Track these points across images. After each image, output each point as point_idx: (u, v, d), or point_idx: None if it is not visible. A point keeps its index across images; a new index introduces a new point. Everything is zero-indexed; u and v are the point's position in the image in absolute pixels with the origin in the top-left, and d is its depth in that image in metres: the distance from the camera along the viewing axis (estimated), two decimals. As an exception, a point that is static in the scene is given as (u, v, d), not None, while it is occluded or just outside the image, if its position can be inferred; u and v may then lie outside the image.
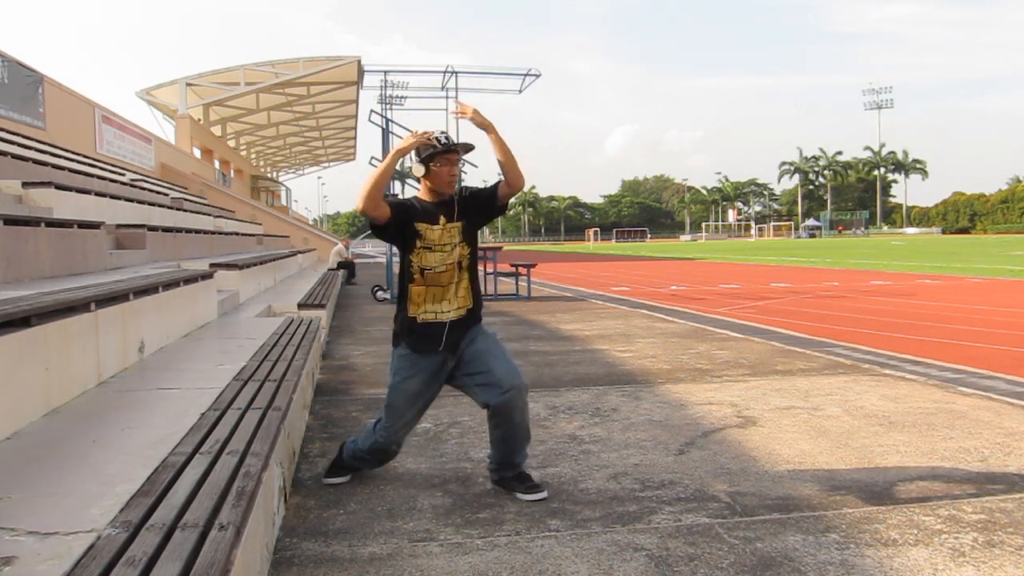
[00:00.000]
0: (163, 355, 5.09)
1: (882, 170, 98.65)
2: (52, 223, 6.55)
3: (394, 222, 3.16)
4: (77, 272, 6.81)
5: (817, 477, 3.36)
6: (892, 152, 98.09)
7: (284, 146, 59.40)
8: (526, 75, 16.05)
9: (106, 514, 2.08)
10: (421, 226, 3.19)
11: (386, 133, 13.85)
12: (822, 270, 20.97)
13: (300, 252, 20.83)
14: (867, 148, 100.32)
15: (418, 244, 3.19)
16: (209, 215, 17.64)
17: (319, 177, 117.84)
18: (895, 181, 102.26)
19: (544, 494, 3.17)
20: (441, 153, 3.15)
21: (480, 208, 3.29)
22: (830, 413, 4.51)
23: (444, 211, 3.22)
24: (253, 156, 56.99)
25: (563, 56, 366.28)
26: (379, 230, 3.19)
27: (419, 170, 3.19)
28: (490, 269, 13.94)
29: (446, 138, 3.17)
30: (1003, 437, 3.94)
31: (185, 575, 1.65)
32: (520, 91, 16.46)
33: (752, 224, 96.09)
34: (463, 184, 3.40)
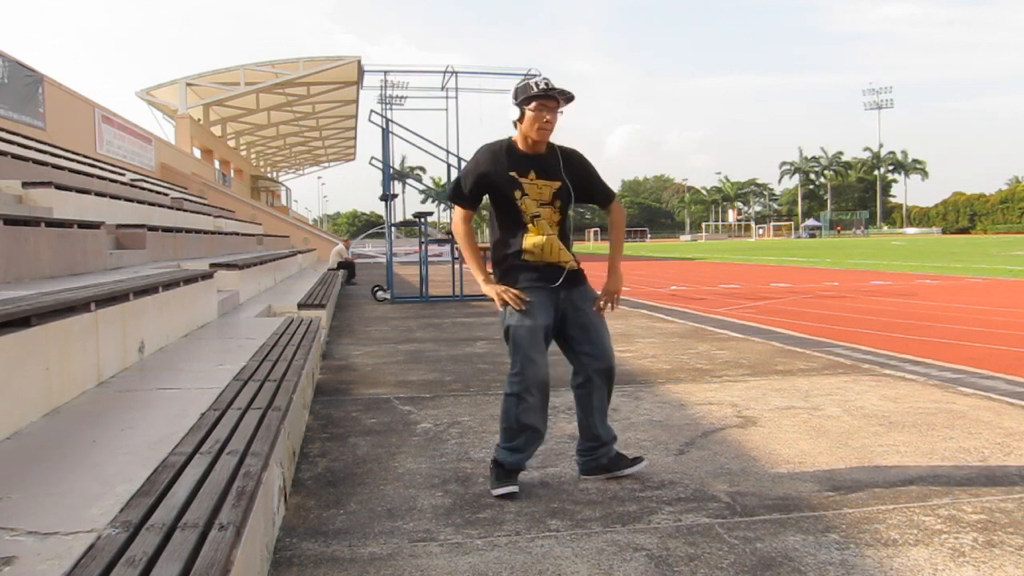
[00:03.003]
0: (163, 355, 5.09)
1: (882, 170, 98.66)
2: (52, 223, 6.55)
3: (492, 212, 3.20)
4: (77, 272, 6.81)
5: (817, 477, 3.36)
6: (892, 152, 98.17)
7: (284, 146, 59.43)
8: (526, 75, 16.04)
9: (106, 514, 2.08)
10: (512, 173, 3.11)
11: (386, 133, 13.86)
12: (822, 270, 20.97)
13: (300, 252, 20.83)
14: (867, 148, 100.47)
15: (517, 194, 3.11)
16: (209, 215, 17.65)
17: (319, 177, 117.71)
18: (895, 181, 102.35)
19: (645, 462, 3.37)
20: (538, 97, 3.01)
21: (584, 188, 3.21)
22: (830, 413, 4.51)
23: (535, 166, 3.13)
24: (253, 156, 57.00)
25: (563, 56, 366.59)
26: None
27: (514, 113, 3.08)
28: (490, 269, 13.91)
29: (546, 83, 3.03)
30: (1003, 437, 3.94)
31: (185, 575, 1.65)
32: (520, 91, 16.45)
33: (752, 224, 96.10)
34: (562, 149, 3.22)
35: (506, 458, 3.18)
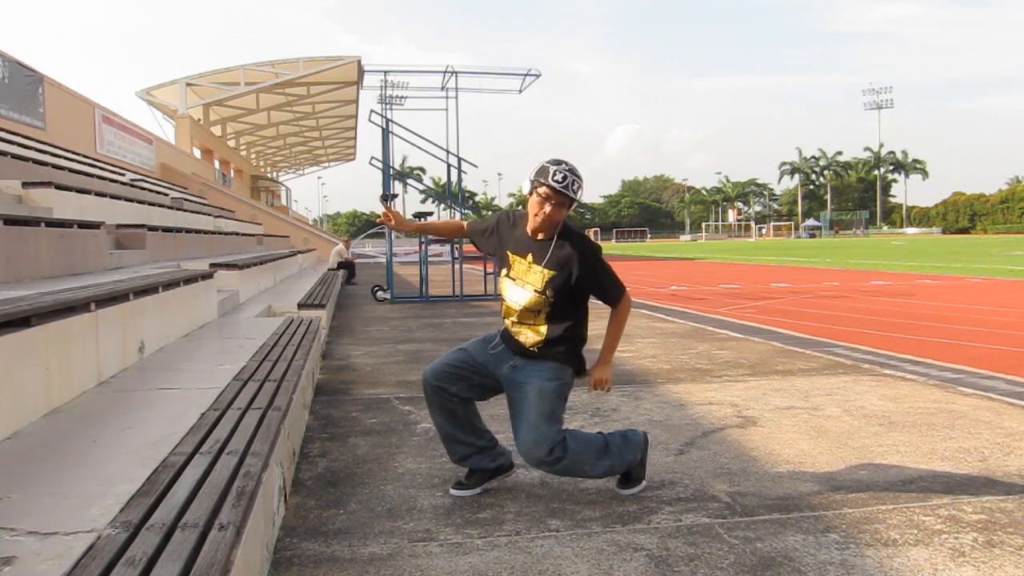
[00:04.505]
0: (163, 355, 5.09)
1: (882, 170, 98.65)
2: (52, 223, 6.55)
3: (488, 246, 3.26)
4: (77, 272, 6.81)
5: (817, 477, 3.36)
6: (892, 152, 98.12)
7: (284, 146, 59.40)
8: (526, 75, 16.05)
9: (106, 514, 2.08)
10: (511, 255, 3.11)
11: (386, 133, 13.86)
12: (822, 270, 20.97)
13: (300, 252, 20.83)
14: (867, 148, 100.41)
15: (503, 272, 3.13)
16: (209, 215, 17.64)
17: (319, 177, 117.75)
18: (895, 181, 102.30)
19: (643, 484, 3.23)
20: (546, 186, 2.89)
21: (590, 289, 3.07)
22: (830, 413, 4.51)
23: (535, 250, 3.03)
24: (253, 156, 56.99)
25: (563, 56, 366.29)
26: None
27: (525, 185, 3.00)
28: (491, 269, 13.93)
29: (563, 176, 2.86)
30: (1003, 437, 3.94)
31: (185, 575, 1.65)
32: (520, 91, 16.46)
33: (752, 224, 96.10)
34: (575, 234, 3.07)
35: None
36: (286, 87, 38.55)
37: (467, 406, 3.24)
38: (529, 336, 3.08)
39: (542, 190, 2.90)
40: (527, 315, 3.06)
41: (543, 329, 3.06)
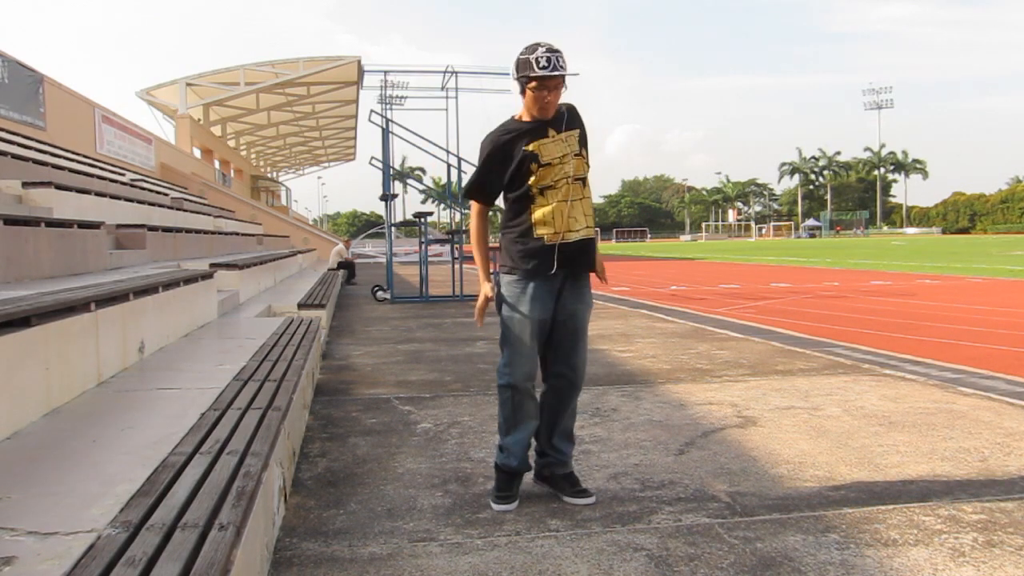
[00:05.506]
0: (163, 355, 5.09)
1: (882, 170, 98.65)
2: (52, 223, 6.55)
3: (506, 182, 3.04)
4: (77, 272, 6.81)
5: (817, 477, 3.36)
6: (892, 152, 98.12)
7: (284, 146, 59.42)
8: (527, 47, 16.03)
9: (106, 514, 2.08)
10: (533, 145, 2.97)
11: (386, 133, 13.87)
12: (822, 270, 20.97)
13: (300, 252, 20.84)
14: (867, 148, 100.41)
15: (534, 167, 2.97)
16: (209, 215, 17.65)
17: (319, 177, 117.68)
18: (895, 181, 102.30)
19: (592, 499, 3.07)
20: (538, 78, 2.86)
21: (583, 142, 3.10)
22: (830, 413, 4.51)
23: (552, 123, 3.00)
24: (253, 156, 57.00)
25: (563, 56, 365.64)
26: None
27: (517, 87, 2.96)
28: (491, 269, 13.91)
29: (547, 60, 2.84)
30: (1003, 437, 3.94)
31: (185, 575, 1.65)
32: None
33: (752, 224, 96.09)
34: (567, 105, 3.09)
35: (502, 459, 3.11)
36: (286, 87, 38.57)
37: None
38: (580, 219, 3.04)
39: (533, 84, 2.88)
40: (577, 189, 3.03)
41: (589, 203, 3.10)
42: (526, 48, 2.90)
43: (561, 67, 2.87)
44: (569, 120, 3.06)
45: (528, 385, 3.11)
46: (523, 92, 2.95)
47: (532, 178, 2.99)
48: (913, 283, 15.31)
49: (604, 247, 64.28)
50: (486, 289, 3.18)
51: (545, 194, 3.01)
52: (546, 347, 3.15)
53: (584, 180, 3.10)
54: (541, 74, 2.85)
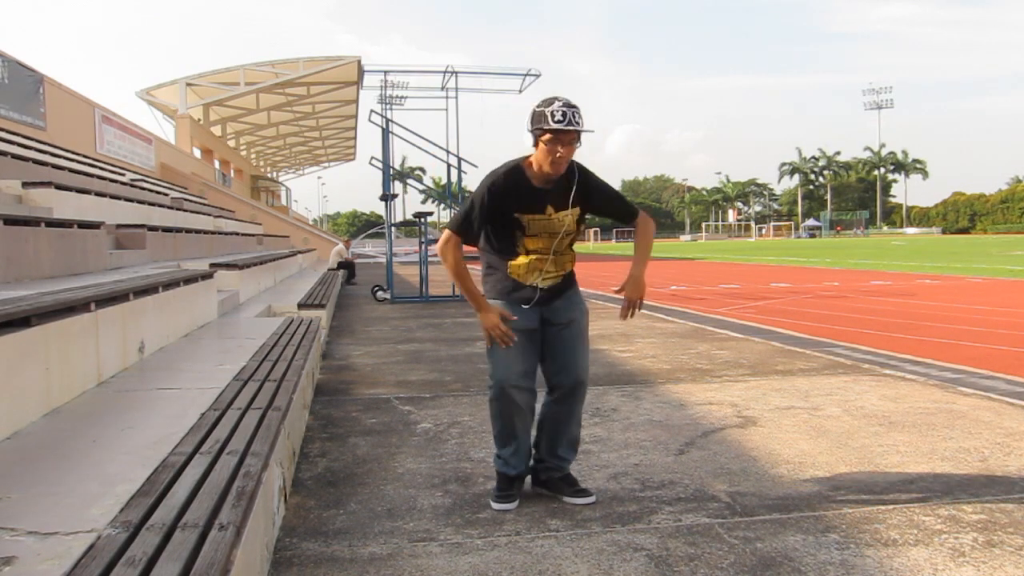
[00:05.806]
0: (163, 355, 5.09)
1: (882, 170, 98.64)
2: (52, 223, 6.55)
3: (485, 231, 3.05)
4: (77, 272, 6.81)
5: (817, 477, 3.36)
6: (892, 152, 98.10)
7: (284, 146, 59.43)
8: (526, 75, 16.06)
9: (106, 514, 2.08)
10: (525, 217, 2.98)
11: (386, 133, 13.87)
12: (822, 270, 20.97)
13: (300, 252, 20.84)
14: (867, 148, 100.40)
15: (518, 234, 3.00)
16: (209, 215, 17.65)
17: (319, 177, 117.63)
18: (895, 181, 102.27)
19: (592, 499, 3.07)
20: (552, 131, 2.80)
21: (605, 211, 3.14)
22: (830, 413, 4.51)
23: (552, 199, 2.98)
24: (253, 156, 57.00)
25: (563, 56, 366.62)
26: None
27: (528, 139, 2.91)
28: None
29: (563, 114, 2.78)
30: (1003, 437, 3.94)
31: (185, 575, 1.65)
32: (520, 91, 16.46)
33: (752, 224, 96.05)
34: (580, 167, 3.05)
35: (501, 467, 3.13)
36: (286, 87, 38.57)
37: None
38: (552, 270, 3.09)
39: (547, 137, 2.83)
40: (562, 242, 3.07)
41: (572, 253, 3.18)
42: (543, 101, 2.87)
43: (576, 122, 2.82)
44: (576, 196, 3.01)
45: (516, 394, 3.07)
46: (536, 144, 2.90)
47: (515, 236, 3.04)
48: (913, 283, 15.31)
49: (604, 247, 64.28)
50: (491, 314, 3.06)
51: (527, 245, 3.04)
52: (545, 357, 3.16)
53: (575, 231, 3.10)
54: (556, 127, 2.79)
